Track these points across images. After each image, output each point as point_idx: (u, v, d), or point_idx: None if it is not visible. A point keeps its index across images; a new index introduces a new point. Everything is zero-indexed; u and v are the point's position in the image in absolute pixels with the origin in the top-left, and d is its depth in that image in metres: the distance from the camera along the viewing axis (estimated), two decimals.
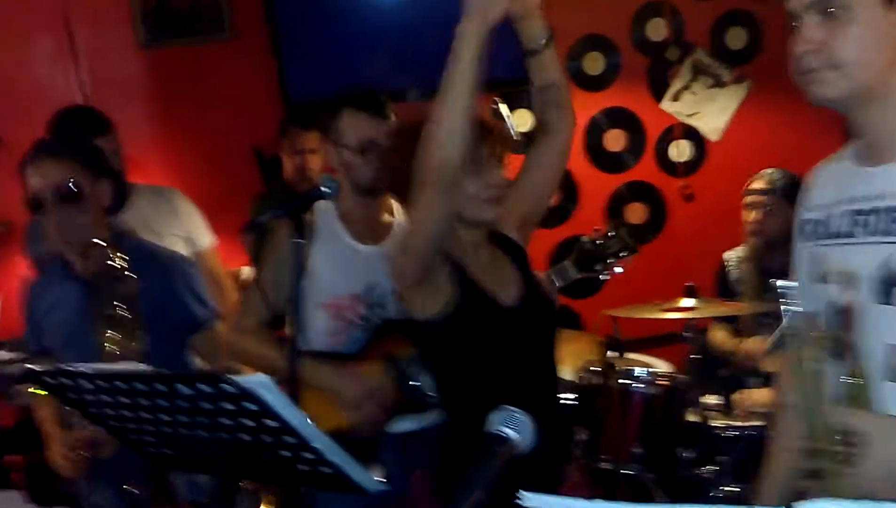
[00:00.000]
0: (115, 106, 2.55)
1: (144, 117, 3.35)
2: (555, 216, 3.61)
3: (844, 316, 1.20)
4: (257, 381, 1.15)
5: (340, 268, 2.04)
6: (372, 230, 2.10)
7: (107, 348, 1.88)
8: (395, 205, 2.13)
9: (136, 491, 1.88)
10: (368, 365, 2.00)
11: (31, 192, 1.92)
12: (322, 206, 2.00)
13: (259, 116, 3.26)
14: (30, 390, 2.03)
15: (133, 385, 1.26)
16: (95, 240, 1.93)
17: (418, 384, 2.02)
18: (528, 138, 3.49)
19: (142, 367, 1.53)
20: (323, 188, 1.78)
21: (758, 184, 2.86)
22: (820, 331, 1.25)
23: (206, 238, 2.73)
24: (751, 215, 2.87)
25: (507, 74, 3.49)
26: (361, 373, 1.98)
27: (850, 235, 1.21)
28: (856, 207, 1.21)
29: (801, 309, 1.29)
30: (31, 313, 2.07)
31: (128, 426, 1.39)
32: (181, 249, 2.60)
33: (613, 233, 2.31)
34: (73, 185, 1.92)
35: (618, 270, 2.34)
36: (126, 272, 1.91)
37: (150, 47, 3.33)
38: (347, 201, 2.06)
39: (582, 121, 3.62)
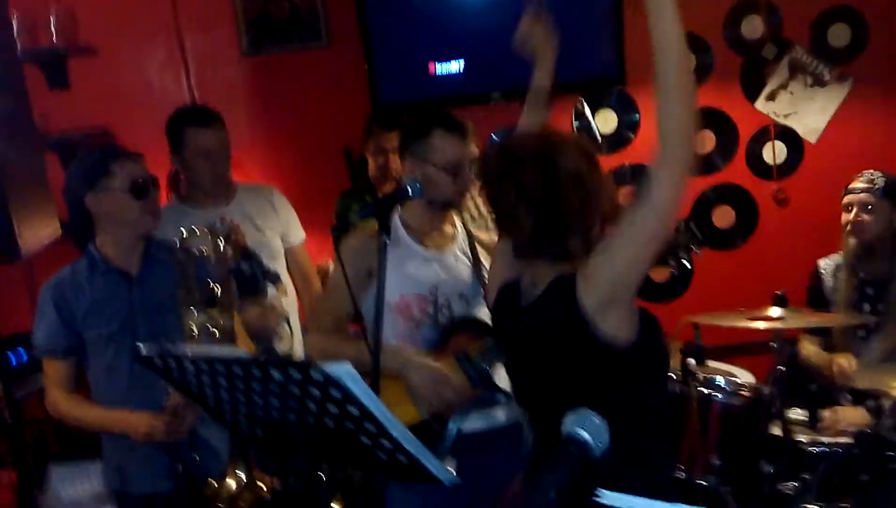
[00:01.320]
0: (219, 109, 2.70)
1: (245, 120, 3.52)
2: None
3: None
4: (342, 370, 1.24)
5: (406, 270, 2.11)
6: (435, 238, 2.18)
7: (193, 329, 2.00)
8: (457, 219, 2.23)
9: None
10: (441, 361, 2.04)
11: (134, 176, 2.08)
12: None
13: (350, 119, 3.37)
14: None
15: (231, 369, 1.37)
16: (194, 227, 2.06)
17: (491, 379, 2.04)
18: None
19: (240, 352, 1.65)
20: (408, 188, 1.87)
21: (858, 182, 2.73)
22: None
23: (299, 234, 2.87)
24: (849, 215, 2.74)
25: (591, 75, 3.47)
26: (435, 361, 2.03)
27: None
28: None
29: None
30: (66, 312, 2.11)
31: (224, 407, 1.49)
32: (277, 243, 2.74)
33: (681, 227, 2.27)
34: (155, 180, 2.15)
35: (687, 265, 2.32)
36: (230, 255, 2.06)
37: (252, 54, 3.52)
38: (415, 208, 2.14)
39: None
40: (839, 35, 3.45)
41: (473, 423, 2.08)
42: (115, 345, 2.10)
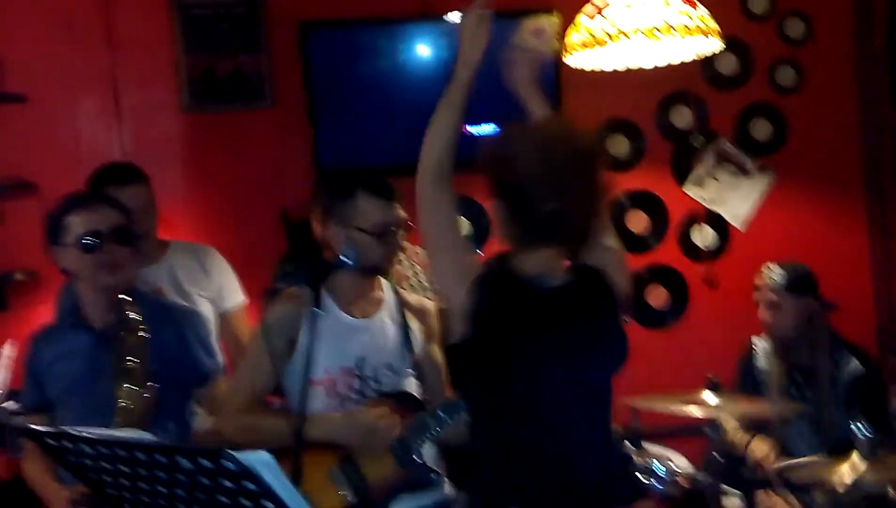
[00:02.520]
0: (152, 165, 2.63)
1: (180, 177, 3.41)
2: None
3: None
4: (259, 459, 1.10)
5: (331, 342, 1.99)
6: (361, 305, 2.09)
7: (121, 402, 1.86)
8: (385, 282, 2.15)
9: None
10: None
11: (83, 230, 1.94)
12: None
13: (290, 181, 3.33)
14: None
15: (134, 454, 1.21)
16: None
17: (421, 460, 1.96)
18: None
19: (144, 436, 1.48)
20: (344, 258, 1.78)
21: (761, 280, 2.79)
22: None
23: (235, 298, 2.73)
24: (762, 310, 2.81)
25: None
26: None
27: None
28: None
29: None
30: (36, 363, 2.04)
31: (124, 495, 1.32)
32: (206, 308, 2.60)
33: None
34: (129, 229, 1.99)
35: None
36: (140, 326, 1.92)
37: (192, 111, 3.43)
38: (343, 276, 2.04)
39: None
40: (761, 129, 3.65)
41: (403, 506, 1.97)
42: (63, 407, 1.95)
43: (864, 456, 2.11)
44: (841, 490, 2.04)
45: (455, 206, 1.76)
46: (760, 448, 2.69)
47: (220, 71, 3.42)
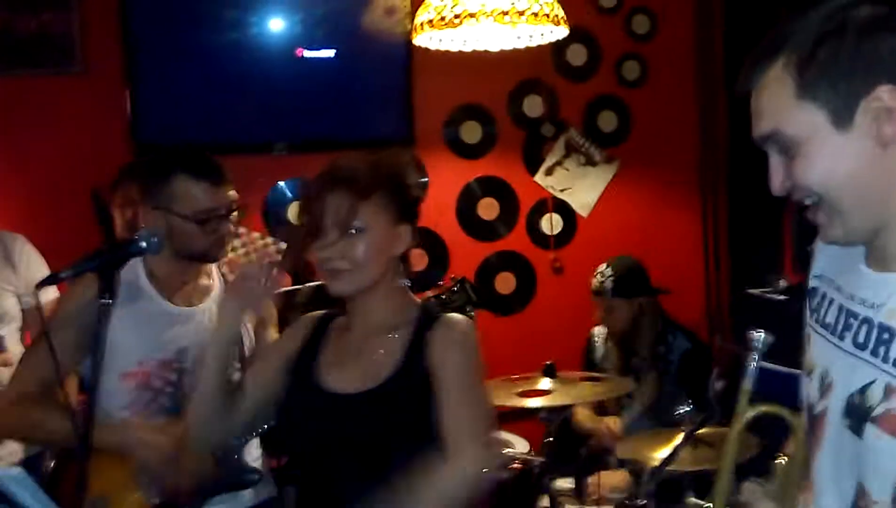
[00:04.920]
0: None
1: None
2: (422, 282, 3.53)
3: (818, 428, 1.06)
4: (7, 475, 1.01)
5: (147, 332, 1.85)
6: (187, 293, 1.94)
7: None
8: (214, 269, 2.01)
9: None
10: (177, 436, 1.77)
11: None
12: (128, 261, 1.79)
13: (103, 158, 3.01)
14: None
15: None
16: None
17: (240, 459, 1.86)
18: None
19: None
20: (142, 244, 1.60)
21: (594, 282, 2.91)
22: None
23: (46, 292, 2.48)
24: (600, 314, 2.93)
25: (382, 135, 3.49)
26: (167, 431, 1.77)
27: (840, 336, 1.05)
28: (851, 307, 1.05)
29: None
30: None
31: None
32: (9, 302, 2.37)
33: (457, 287, 2.27)
34: None
35: None
36: None
37: None
38: (163, 262, 1.89)
39: (456, 188, 3.63)
40: (608, 121, 3.76)
41: (221, 505, 1.84)
42: None
43: (687, 433, 2.20)
44: (664, 466, 2.11)
45: None
46: (602, 429, 2.79)
47: (20, 30, 3.05)
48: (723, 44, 3.72)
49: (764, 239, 3.66)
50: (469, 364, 1.51)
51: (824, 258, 1.14)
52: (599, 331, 3.04)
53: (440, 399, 1.47)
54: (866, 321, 1.01)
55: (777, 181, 1.03)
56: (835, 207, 1.00)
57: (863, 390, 0.99)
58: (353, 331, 1.58)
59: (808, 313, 1.15)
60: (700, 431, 2.22)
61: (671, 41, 3.75)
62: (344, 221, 1.48)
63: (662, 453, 2.19)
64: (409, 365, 1.51)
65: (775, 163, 1.03)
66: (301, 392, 1.55)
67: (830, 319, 1.08)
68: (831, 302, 1.09)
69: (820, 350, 1.09)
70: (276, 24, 3.29)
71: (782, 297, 3.30)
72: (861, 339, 1.01)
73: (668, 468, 2.12)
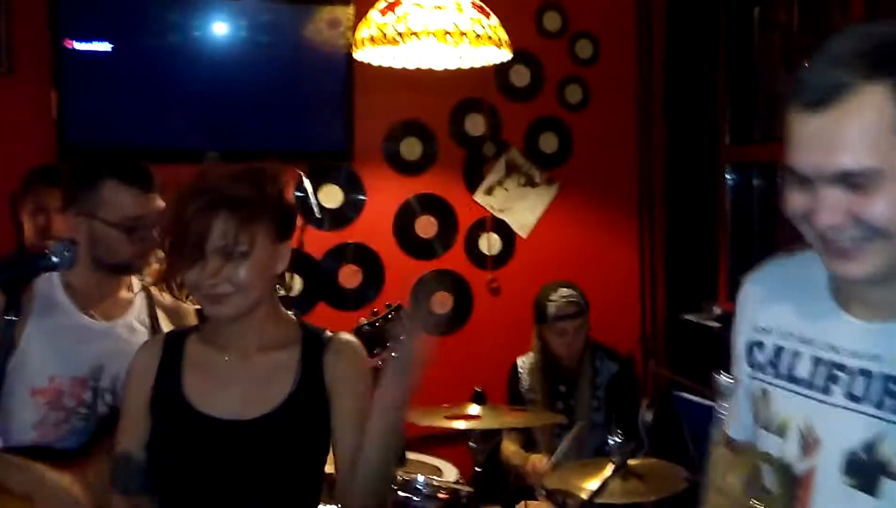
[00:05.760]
0: None
1: None
2: (356, 299, 3.48)
3: (802, 488, 1.01)
4: None
5: (61, 346, 1.75)
6: (106, 306, 1.85)
7: None
8: (135, 281, 1.92)
9: None
10: (89, 465, 1.65)
11: None
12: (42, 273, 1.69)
13: (28, 161, 2.79)
14: None
15: None
16: None
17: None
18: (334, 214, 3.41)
19: None
20: (54, 259, 1.47)
21: (561, 307, 2.86)
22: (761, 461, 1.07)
23: None
24: (561, 339, 2.87)
25: (320, 148, 3.42)
26: (74, 474, 1.62)
27: (823, 390, 1.00)
28: (837, 359, 1.00)
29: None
30: None
31: None
32: None
33: (392, 314, 2.20)
34: None
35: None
36: None
37: None
38: (82, 273, 1.79)
39: (394, 204, 3.58)
40: (549, 142, 3.76)
41: None
42: None
43: (616, 465, 2.17)
44: (588, 497, 2.09)
45: None
46: (528, 468, 2.75)
47: None
48: (663, 71, 3.76)
49: (700, 265, 3.70)
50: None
51: (768, 311, 1.09)
52: (524, 361, 2.99)
53: (338, 422, 1.44)
54: (864, 372, 0.97)
55: (838, 218, 0.93)
56: (890, 245, 0.92)
57: (868, 445, 0.95)
58: (228, 352, 1.48)
59: (747, 368, 1.10)
60: (630, 462, 2.20)
61: (613, 66, 3.78)
62: (230, 247, 1.39)
63: (591, 484, 2.16)
64: (305, 388, 1.45)
65: (834, 198, 0.92)
66: (173, 421, 1.45)
67: (803, 373, 1.03)
68: (797, 355, 1.04)
69: (792, 406, 1.03)
70: (214, 31, 3.20)
71: (716, 324, 3.34)
72: (858, 392, 0.97)
73: (597, 500, 2.09)
